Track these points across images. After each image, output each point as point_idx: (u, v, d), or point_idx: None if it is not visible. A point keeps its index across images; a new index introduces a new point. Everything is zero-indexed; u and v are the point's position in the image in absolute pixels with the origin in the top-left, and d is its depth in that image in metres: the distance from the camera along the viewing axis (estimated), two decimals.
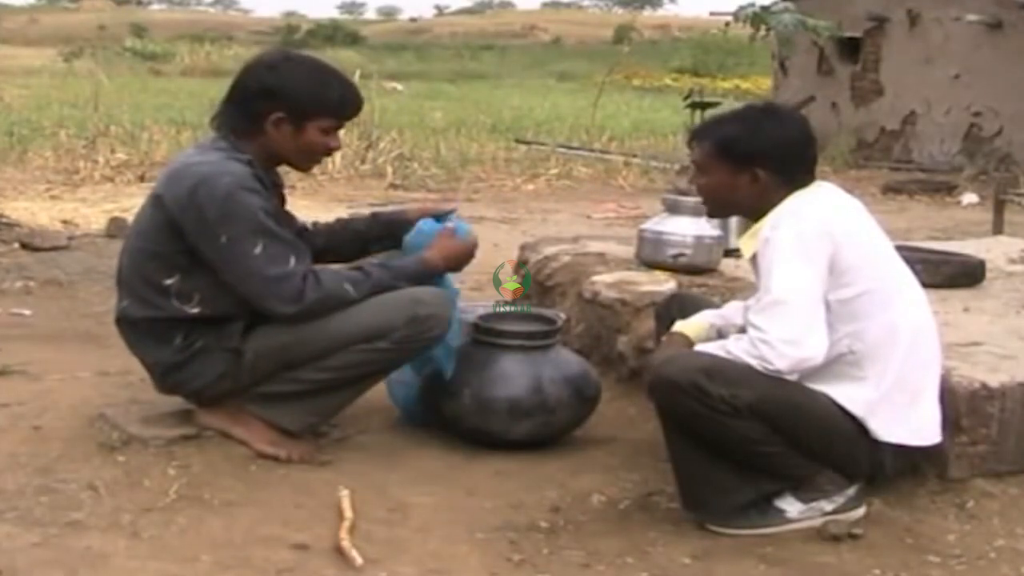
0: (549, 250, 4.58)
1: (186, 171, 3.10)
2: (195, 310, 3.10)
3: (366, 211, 3.72)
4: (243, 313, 3.12)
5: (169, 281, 3.10)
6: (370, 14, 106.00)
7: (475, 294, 5.36)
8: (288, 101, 3.11)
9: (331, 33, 48.90)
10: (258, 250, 3.00)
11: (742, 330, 2.80)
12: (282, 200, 3.32)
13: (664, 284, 3.96)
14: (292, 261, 3.03)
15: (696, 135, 3.00)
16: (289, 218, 3.34)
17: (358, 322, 3.08)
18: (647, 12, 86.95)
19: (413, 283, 3.17)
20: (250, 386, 3.17)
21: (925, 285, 3.02)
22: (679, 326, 3.04)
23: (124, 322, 3.23)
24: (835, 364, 2.75)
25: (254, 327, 3.12)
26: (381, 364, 3.16)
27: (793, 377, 2.71)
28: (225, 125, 3.19)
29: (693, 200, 3.83)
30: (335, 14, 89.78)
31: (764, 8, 10.89)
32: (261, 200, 3.05)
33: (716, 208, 3.04)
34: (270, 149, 3.16)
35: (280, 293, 3.01)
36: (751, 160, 2.84)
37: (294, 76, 3.14)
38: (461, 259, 3.31)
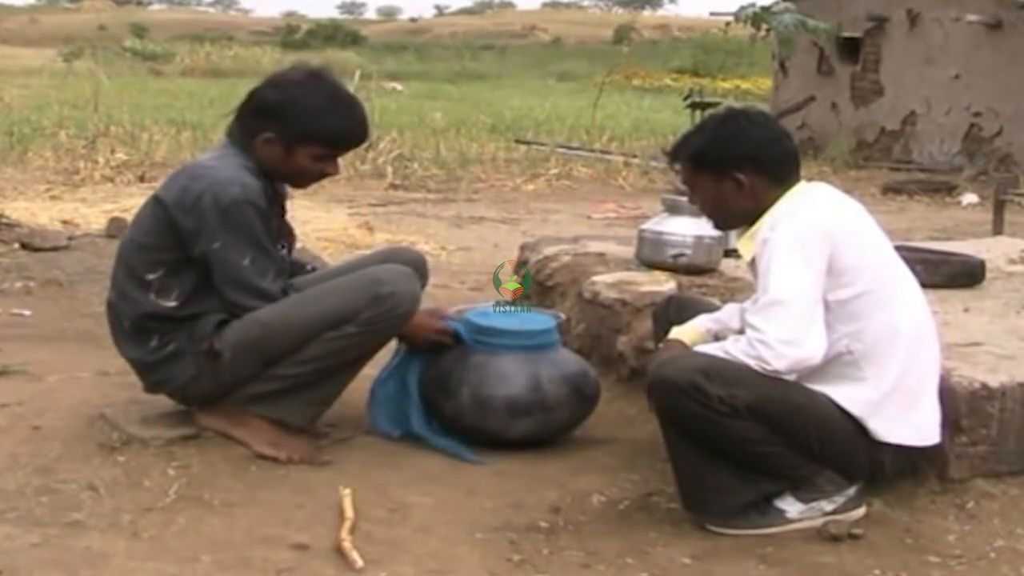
0: (549, 250, 4.58)
1: (198, 172, 3.15)
2: (172, 304, 3.14)
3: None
4: (215, 313, 3.15)
5: (152, 276, 3.14)
6: (370, 14, 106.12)
7: (475, 294, 5.37)
8: (281, 123, 3.12)
9: (331, 33, 48.85)
10: (246, 261, 3.07)
11: (740, 333, 2.79)
12: (282, 211, 3.35)
13: (664, 284, 3.96)
14: (271, 276, 3.12)
15: (671, 157, 3.00)
16: (289, 232, 3.40)
17: (322, 308, 3.11)
18: (647, 12, 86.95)
19: None
20: (235, 385, 3.18)
21: (925, 285, 3.02)
22: (676, 332, 3.04)
23: (111, 312, 3.28)
24: (834, 364, 2.75)
25: (223, 325, 3.14)
26: (358, 348, 3.18)
27: (792, 377, 2.71)
28: (232, 134, 3.23)
29: None
30: (335, 14, 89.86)
31: (764, 8, 10.90)
32: (261, 217, 3.10)
33: (718, 220, 3.02)
34: (262, 165, 3.18)
35: (257, 305, 3.10)
36: (727, 166, 2.84)
37: (296, 99, 3.13)
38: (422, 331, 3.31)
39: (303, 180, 3.29)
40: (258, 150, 3.15)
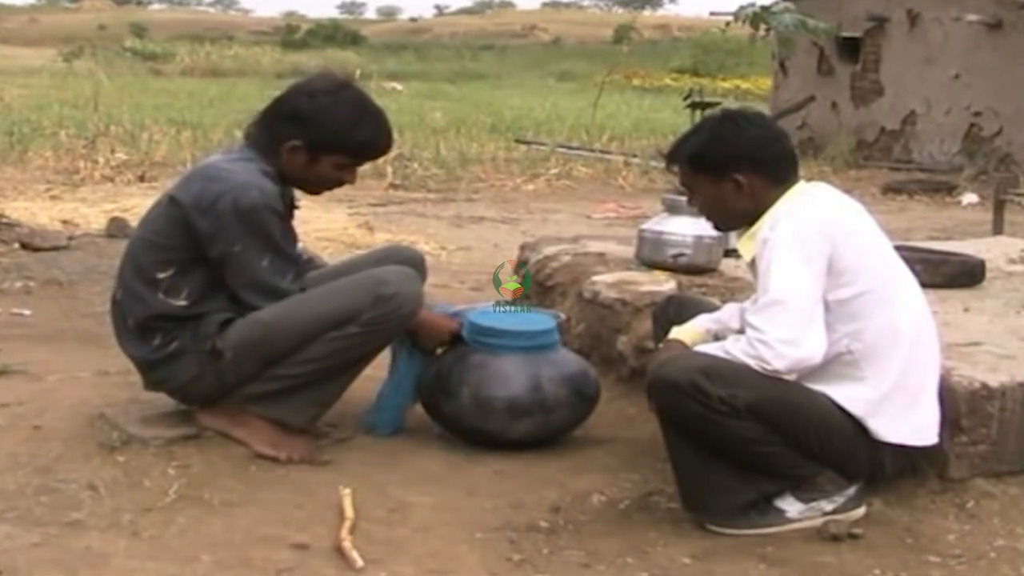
0: (549, 250, 4.58)
1: (216, 174, 3.15)
2: (181, 303, 3.15)
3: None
4: (220, 312, 3.15)
5: (162, 275, 3.15)
6: (370, 14, 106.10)
7: (475, 294, 5.37)
8: (310, 132, 3.14)
9: (331, 33, 48.86)
10: (265, 263, 3.09)
11: (740, 333, 2.79)
12: (291, 215, 3.36)
13: (664, 284, 3.96)
14: (289, 277, 3.15)
15: (669, 159, 3.00)
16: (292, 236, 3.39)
17: (324, 309, 3.12)
18: (647, 12, 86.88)
19: None
20: (237, 385, 3.19)
21: (925, 285, 3.02)
22: (675, 332, 3.03)
23: (116, 309, 3.28)
24: (834, 364, 2.74)
25: (227, 325, 3.15)
26: (360, 349, 3.19)
27: (792, 377, 2.71)
28: (252, 137, 3.24)
29: None
30: (335, 14, 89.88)
31: (764, 8, 10.89)
32: (279, 221, 3.13)
33: (719, 222, 3.02)
34: (282, 171, 3.20)
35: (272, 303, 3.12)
36: (726, 167, 2.84)
37: (328, 109, 3.15)
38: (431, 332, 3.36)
39: (321, 187, 3.30)
40: (282, 156, 3.17)
